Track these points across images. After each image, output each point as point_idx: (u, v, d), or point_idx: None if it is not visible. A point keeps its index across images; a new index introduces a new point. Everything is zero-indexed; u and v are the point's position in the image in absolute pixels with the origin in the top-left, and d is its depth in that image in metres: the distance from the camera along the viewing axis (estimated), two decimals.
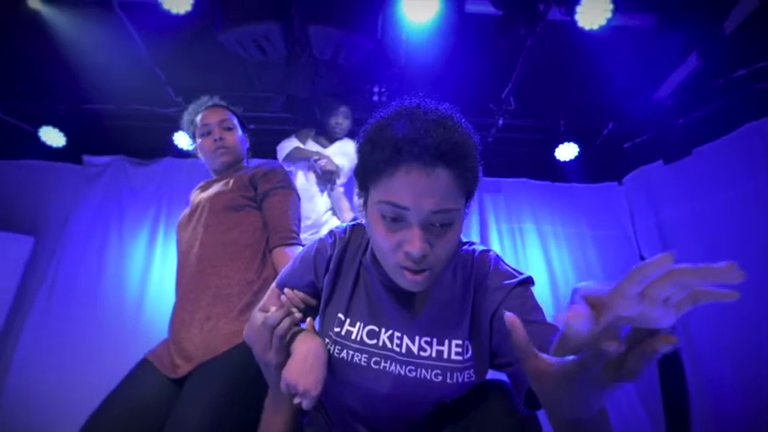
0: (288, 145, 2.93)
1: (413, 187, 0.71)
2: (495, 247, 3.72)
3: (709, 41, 2.72)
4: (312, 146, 2.98)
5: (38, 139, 3.58)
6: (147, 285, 3.51)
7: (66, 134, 3.60)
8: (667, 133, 3.48)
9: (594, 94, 3.43)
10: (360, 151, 0.82)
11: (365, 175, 0.80)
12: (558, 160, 3.67)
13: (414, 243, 0.72)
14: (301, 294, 1.00)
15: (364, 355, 0.87)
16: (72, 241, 3.68)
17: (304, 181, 2.83)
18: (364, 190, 0.82)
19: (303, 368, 0.82)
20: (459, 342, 0.86)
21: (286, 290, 1.01)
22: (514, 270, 0.92)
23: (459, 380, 0.83)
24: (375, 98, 3.80)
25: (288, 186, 1.57)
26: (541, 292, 3.58)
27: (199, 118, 1.69)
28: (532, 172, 3.99)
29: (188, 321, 1.32)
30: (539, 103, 3.57)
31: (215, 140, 1.63)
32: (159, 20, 2.56)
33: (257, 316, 0.90)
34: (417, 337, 0.87)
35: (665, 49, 2.92)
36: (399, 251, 0.75)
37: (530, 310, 0.83)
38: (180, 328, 1.33)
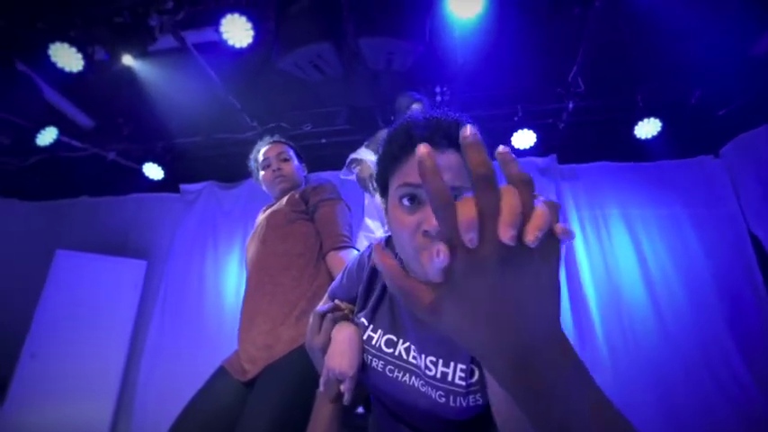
0: (349, 158, 2.97)
1: None
2: (578, 237, 3.54)
3: None
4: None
5: (142, 174, 4.07)
6: (240, 298, 3.83)
7: (165, 167, 4.06)
8: None
9: (673, 60, 3.14)
10: (379, 154, 0.85)
11: (385, 170, 0.83)
12: (639, 138, 3.40)
13: (430, 220, 0.71)
14: (350, 306, 1.06)
15: (381, 362, 0.90)
16: (176, 261, 4.12)
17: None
18: (386, 190, 0.83)
19: (339, 352, 0.90)
20: (464, 366, 0.81)
21: (336, 300, 1.08)
22: None
23: (464, 404, 0.79)
24: (438, 98, 3.81)
25: (336, 197, 1.68)
26: (633, 283, 3.34)
27: (260, 154, 1.89)
28: (611, 154, 3.74)
29: (249, 327, 1.46)
30: (610, 80, 3.35)
31: (273, 171, 1.81)
32: (228, 54, 2.81)
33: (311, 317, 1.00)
34: (424, 355, 0.85)
35: None
36: (417, 234, 0.73)
37: None
38: (244, 334, 1.47)
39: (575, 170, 3.81)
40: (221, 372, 1.44)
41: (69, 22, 2.80)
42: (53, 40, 2.76)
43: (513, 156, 0.35)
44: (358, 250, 1.59)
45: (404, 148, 0.78)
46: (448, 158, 0.74)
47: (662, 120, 3.32)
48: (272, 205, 1.84)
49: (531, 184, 0.34)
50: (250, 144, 3.94)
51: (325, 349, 0.94)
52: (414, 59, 2.58)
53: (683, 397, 2.96)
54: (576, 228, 3.59)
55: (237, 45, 2.65)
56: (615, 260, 3.44)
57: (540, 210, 0.33)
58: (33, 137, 3.70)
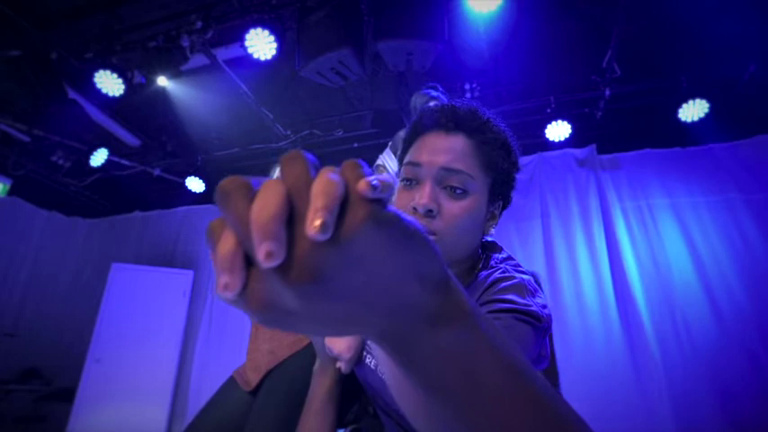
0: (375, 164, 2.93)
1: (430, 146, 0.76)
2: (621, 230, 3.36)
3: None
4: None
5: (186, 188, 4.28)
6: None
7: (205, 180, 4.24)
8: None
9: (720, 34, 2.92)
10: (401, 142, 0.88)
11: (401, 158, 0.84)
12: (684, 122, 3.19)
13: (422, 197, 0.72)
14: None
15: (374, 360, 0.90)
16: None
17: None
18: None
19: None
20: None
21: None
22: (526, 301, 0.71)
23: None
24: (468, 95, 3.76)
25: None
26: (685, 277, 3.13)
27: (276, 174, 1.91)
28: (655, 140, 3.52)
29: (255, 336, 1.48)
30: (648, 63, 3.17)
31: None
32: (256, 67, 2.91)
33: None
34: None
35: None
36: (408, 211, 0.72)
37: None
38: (252, 345, 1.49)
39: (616, 159, 3.63)
40: (230, 382, 1.47)
41: (110, 49, 3.00)
42: (98, 68, 2.96)
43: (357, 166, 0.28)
44: None
45: (416, 130, 0.81)
46: (453, 141, 0.76)
47: (709, 100, 3.10)
48: None
49: (352, 165, 0.28)
50: (284, 152, 4.10)
51: None
52: (435, 58, 2.56)
53: (747, 400, 2.74)
54: (619, 220, 3.42)
55: (262, 58, 2.74)
56: (664, 254, 3.24)
57: (317, 187, 0.25)
58: (88, 158, 3.99)
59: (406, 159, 0.79)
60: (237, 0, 2.83)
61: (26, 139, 4.00)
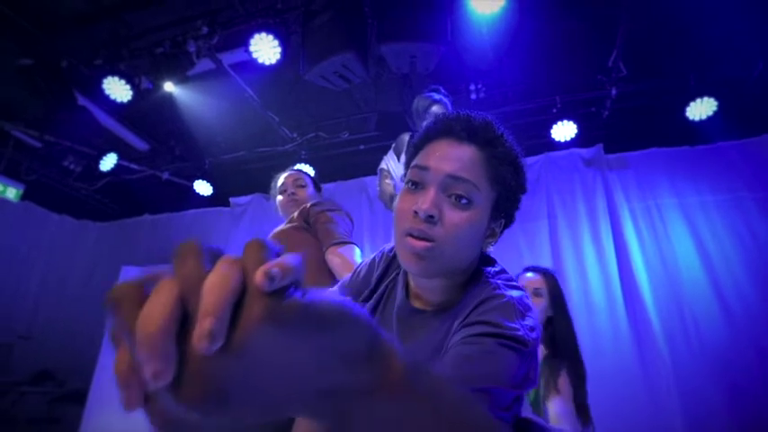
0: (379, 167, 2.83)
1: (440, 152, 0.76)
2: (629, 229, 3.33)
3: None
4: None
5: (194, 191, 4.32)
6: None
7: (213, 183, 4.28)
8: None
9: (727, 33, 2.89)
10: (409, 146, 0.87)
11: (409, 161, 0.83)
12: (692, 120, 3.16)
13: (424, 201, 0.71)
14: None
15: None
16: None
17: None
18: None
19: None
20: None
21: None
22: (513, 324, 0.68)
23: None
24: (473, 96, 3.75)
25: (332, 209, 1.73)
26: (694, 275, 3.10)
27: (279, 181, 2.01)
28: (662, 139, 3.48)
29: None
30: (655, 61, 3.14)
31: (288, 195, 1.92)
32: (263, 71, 2.94)
33: None
34: None
35: None
36: (410, 215, 0.73)
37: (465, 359, 0.64)
38: None
39: (623, 159, 3.60)
40: None
41: (118, 55, 3.04)
42: (106, 75, 3.01)
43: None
44: (357, 245, 1.61)
45: (427, 136, 0.80)
46: (461, 150, 0.75)
47: (717, 98, 3.07)
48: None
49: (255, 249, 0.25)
50: (290, 155, 4.13)
51: None
52: (438, 60, 2.57)
53: (755, 396, 2.70)
54: (627, 221, 3.39)
55: (267, 62, 2.77)
56: (672, 253, 3.21)
57: (207, 287, 0.23)
58: (98, 163, 4.04)
59: (414, 162, 0.78)
60: (242, 5, 2.86)
61: (38, 144, 4.07)
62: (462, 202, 0.73)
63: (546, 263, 3.44)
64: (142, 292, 0.24)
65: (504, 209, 0.80)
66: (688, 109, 3.13)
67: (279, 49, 2.66)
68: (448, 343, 0.72)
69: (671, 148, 3.46)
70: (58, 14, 2.96)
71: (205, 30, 2.89)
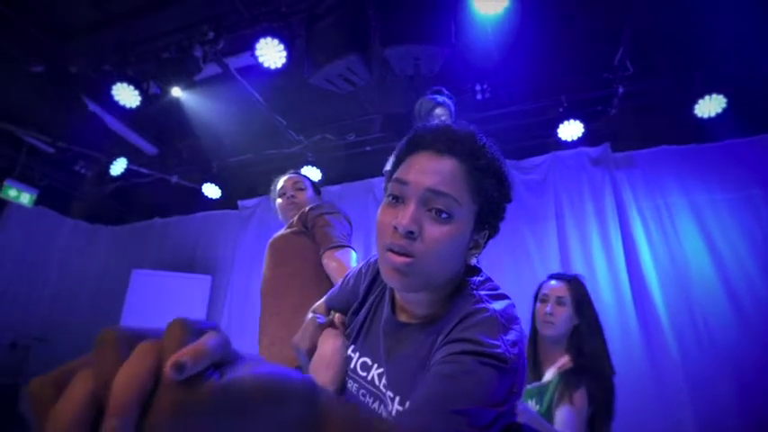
0: (384, 169, 2.88)
1: (419, 166, 0.74)
2: (638, 230, 3.30)
3: None
4: None
5: (202, 194, 4.37)
6: None
7: (221, 186, 4.33)
8: None
9: (734, 30, 2.86)
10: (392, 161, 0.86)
11: (391, 173, 0.81)
12: (701, 118, 3.12)
13: (404, 216, 0.70)
14: (343, 318, 1.02)
15: (355, 384, 0.87)
16: (238, 275, 4.37)
17: None
18: None
19: (326, 364, 0.88)
20: None
21: (334, 314, 1.04)
22: (495, 341, 0.67)
23: None
24: (479, 97, 3.75)
25: (331, 211, 1.74)
26: (704, 273, 3.06)
27: (278, 184, 2.01)
28: (671, 137, 3.44)
29: (259, 347, 1.52)
30: (661, 59, 3.11)
31: (288, 198, 1.93)
32: (269, 74, 2.96)
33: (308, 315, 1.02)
34: (386, 389, 0.80)
35: None
36: (390, 230, 0.72)
37: (445, 379, 0.63)
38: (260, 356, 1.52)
39: (631, 158, 3.56)
40: None
41: (126, 61, 3.09)
42: (115, 81, 3.06)
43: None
44: (354, 249, 1.62)
45: (408, 149, 0.79)
46: (442, 164, 0.73)
47: (726, 95, 3.03)
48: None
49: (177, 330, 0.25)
50: (296, 158, 4.16)
51: (310, 353, 0.94)
52: (443, 62, 2.56)
53: (767, 395, 2.66)
54: (636, 220, 3.35)
55: (273, 66, 2.79)
56: (682, 251, 3.17)
57: (116, 383, 0.23)
58: (108, 167, 4.11)
59: (395, 175, 0.77)
60: (247, 9, 2.88)
61: (50, 150, 4.15)
62: (443, 216, 0.71)
63: (554, 263, 3.42)
64: (59, 387, 0.24)
65: (488, 220, 0.79)
66: (696, 106, 3.09)
67: (284, 53, 2.69)
68: (431, 360, 0.72)
69: (679, 147, 3.42)
70: (68, 22, 3.02)
71: (211, 35, 2.92)
